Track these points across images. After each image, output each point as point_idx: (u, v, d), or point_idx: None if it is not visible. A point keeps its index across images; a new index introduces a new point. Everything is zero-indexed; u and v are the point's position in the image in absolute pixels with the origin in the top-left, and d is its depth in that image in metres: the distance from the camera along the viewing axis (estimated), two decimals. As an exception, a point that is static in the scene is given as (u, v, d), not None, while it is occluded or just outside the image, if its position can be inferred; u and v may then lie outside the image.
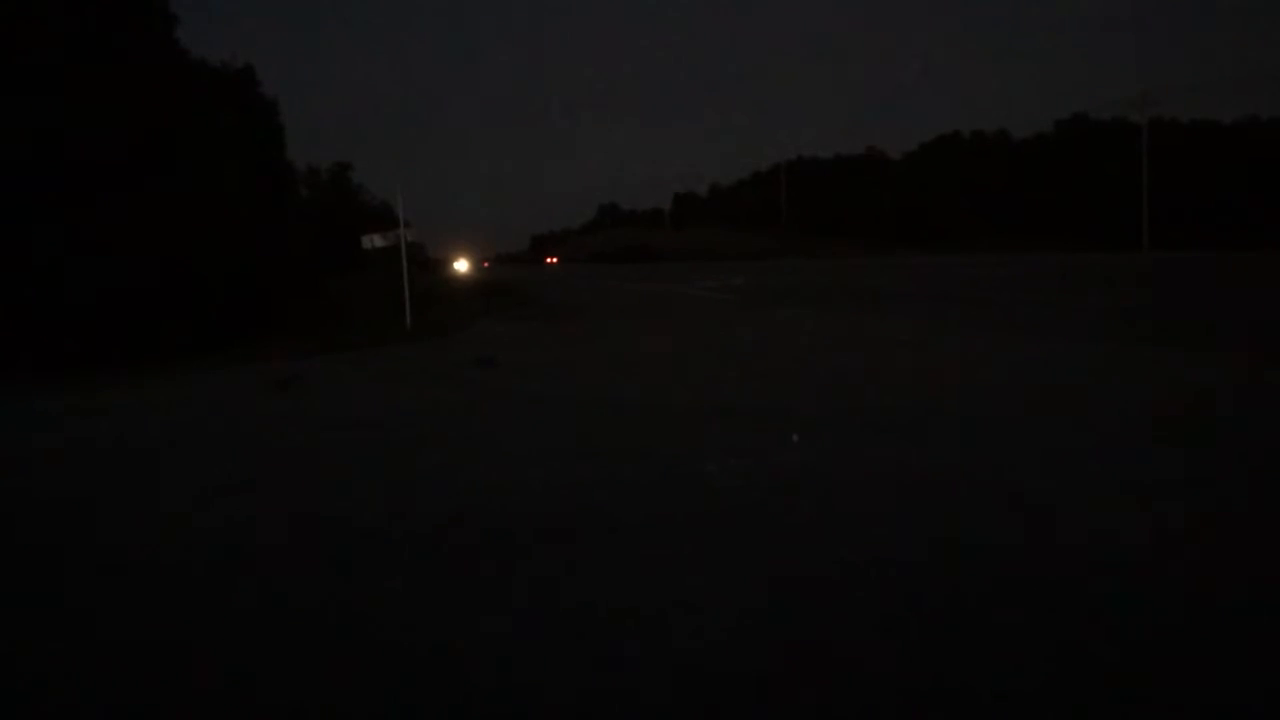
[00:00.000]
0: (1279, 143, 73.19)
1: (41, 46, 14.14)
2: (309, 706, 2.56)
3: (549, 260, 73.00)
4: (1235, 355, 8.63)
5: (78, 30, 14.70)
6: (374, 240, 17.80)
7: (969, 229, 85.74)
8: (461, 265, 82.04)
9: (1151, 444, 5.19)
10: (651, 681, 2.60)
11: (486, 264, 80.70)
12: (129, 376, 11.45)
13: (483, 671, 2.70)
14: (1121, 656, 2.61)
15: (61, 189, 14.12)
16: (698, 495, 4.48)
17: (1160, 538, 3.62)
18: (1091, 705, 2.38)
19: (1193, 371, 7.86)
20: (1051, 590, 3.10)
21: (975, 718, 2.35)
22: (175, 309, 14.97)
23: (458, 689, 2.61)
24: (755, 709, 2.43)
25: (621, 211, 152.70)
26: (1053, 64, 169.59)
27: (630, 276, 45.43)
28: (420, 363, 11.48)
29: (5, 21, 13.85)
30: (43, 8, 14.41)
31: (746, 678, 2.59)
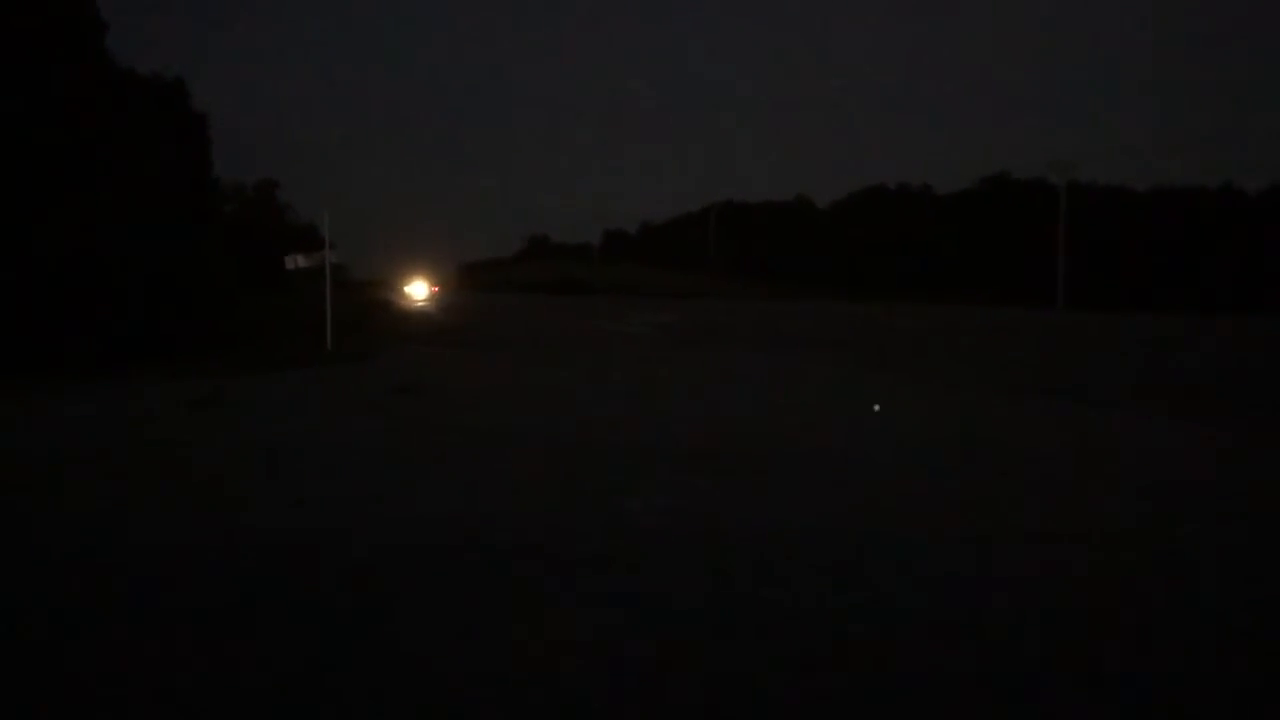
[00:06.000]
0: (1192, 211, 76.71)
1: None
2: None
3: (432, 289, 60.62)
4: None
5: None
6: (298, 260, 17.59)
7: (892, 278, 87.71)
8: (418, 290, 59.42)
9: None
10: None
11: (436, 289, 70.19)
12: (36, 390, 11.13)
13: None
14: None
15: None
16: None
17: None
18: None
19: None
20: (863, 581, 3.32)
21: None
22: (88, 313, 14.40)
23: None
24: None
25: (551, 244, 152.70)
26: (979, 127, 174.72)
27: (561, 309, 45.44)
28: (337, 386, 11.39)
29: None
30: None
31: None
